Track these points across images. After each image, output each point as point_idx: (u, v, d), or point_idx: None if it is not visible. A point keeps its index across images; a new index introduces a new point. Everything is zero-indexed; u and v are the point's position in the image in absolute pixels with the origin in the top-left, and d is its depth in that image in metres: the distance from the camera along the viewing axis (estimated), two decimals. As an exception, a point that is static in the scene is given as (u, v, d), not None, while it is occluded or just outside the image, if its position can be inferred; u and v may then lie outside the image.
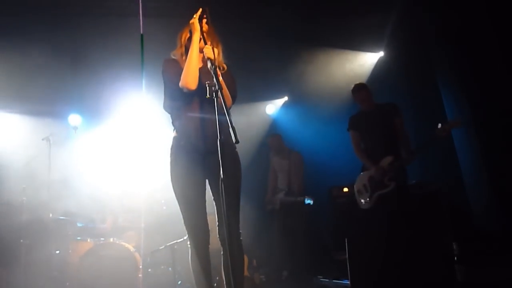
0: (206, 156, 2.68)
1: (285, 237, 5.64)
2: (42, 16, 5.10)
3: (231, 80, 2.80)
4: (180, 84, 2.64)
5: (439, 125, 3.94)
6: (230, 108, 2.54)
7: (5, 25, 5.12)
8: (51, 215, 4.77)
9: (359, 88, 4.52)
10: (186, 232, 2.72)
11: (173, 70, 2.72)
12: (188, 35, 2.77)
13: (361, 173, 4.45)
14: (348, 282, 3.64)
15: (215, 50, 2.59)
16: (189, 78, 2.63)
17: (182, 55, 2.79)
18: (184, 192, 2.69)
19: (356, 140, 4.49)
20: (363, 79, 6.39)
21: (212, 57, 2.51)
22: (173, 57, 2.84)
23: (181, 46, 2.83)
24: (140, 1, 4.05)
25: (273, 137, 6.07)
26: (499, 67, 4.79)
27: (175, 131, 2.79)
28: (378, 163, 4.21)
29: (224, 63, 2.83)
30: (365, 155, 4.39)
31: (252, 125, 7.01)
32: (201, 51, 2.65)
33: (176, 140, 2.76)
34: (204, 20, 2.69)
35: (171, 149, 2.78)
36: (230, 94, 2.70)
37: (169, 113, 2.83)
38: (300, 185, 5.69)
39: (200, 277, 2.66)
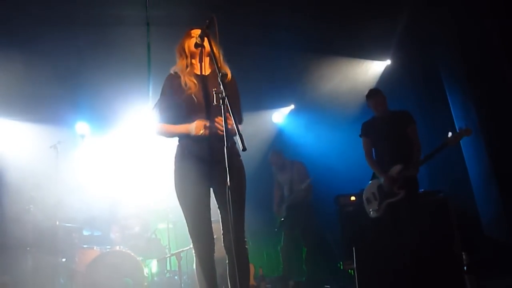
0: (211, 165, 2.66)
1: (292, 246, 5.61)
2: (49, 26, 5.15)
3: (236, 96, 2.80)
4: (155, 131, 2.78)
5: (450, 134, 3.90)
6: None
7: (14, 35, 5.17)
8: (57, 222, 4.78)
9: (374, 94, 4.43)
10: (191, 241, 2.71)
11: (176, 85, 2.73)
12: (194, 42, 2.76)
13: (370, 182, 4.40)
14: (356, 292, 3.60)
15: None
16: (163, 135, 2.77)
17: (187, 66, 2.77)
18: (189, 201, 2.67)
19: (368, 146, 4.41)
20: (370, 87, 6.35)
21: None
22: (174, 72, 2.81)
23: (186, 57, 2.79)
24: (147, 11, 4.08)
25: (274, 154, 6.05)
26: (508, 75, 4.76)
27: (178, 140, 2.79)
28: (388, 172, 4.15)
29: (230, 73, 2.82)
30: (376, 163, 4.33)
31: (259, 133, 7.01)
32: (198, 46, 2.70)
33: (180, 149, 2.75)
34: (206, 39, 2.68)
35: (175, 157, 2.77)
36: (237, 113, 2.70)
37: (171, 123, 2.77)
38: (307, 188, 5.68)
39: (204, 286, 2.64)
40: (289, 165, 5.92)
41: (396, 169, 4.10)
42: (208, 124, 2.60)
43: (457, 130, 3.96)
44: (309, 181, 5.66)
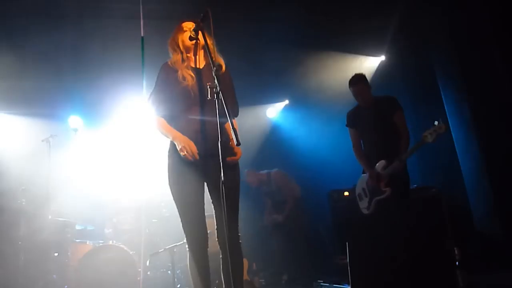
0: (205, 160, 2.65)
1: (285, 241, 5.63)
2: (42, 18, 5.10)
3: (231, 88, 2.79)
4: (153, 124, 2.72)
5: (426, 131, 3.65)
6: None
7: (6, 27, 5.11)
8: (50, 217, 4.75)
9: (356, 81, 4.13)
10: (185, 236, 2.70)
11: (172, 76, 2.71)
12: (187, 36, 2.74)
13: (361, 176, 4.24)
14: (349, 287, 3.61)
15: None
16: (158, 131, 2.73)
17: (183, 60, 2.75)
18: (182, 196, 2.66)
19: (355, 138, 4.22)
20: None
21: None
22: (170, 63, 2.78)
23: (180, 52, 2.77)
24: (141, 3, 4.04)
25: (248, 174, 5.81)
26: (500, 70, 4.78)
27: None
28: (374, 167, 3.98)
29: (224, 64, 2.81)
30: (363, 156, 4.14)
31: (253, 129, 7.00)
32: (193, 39, 2.67)
33: (174, 143, 2.72)
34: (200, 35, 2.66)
35: (169, 152, 2.75)
36: (232, 103, 2.69)
37: (168, 115, 2.77)
38: (292, 199, 5.68)
39: (198, 281, 2.64)
40: (265, 179, 5.84)
41: (380, 165, 3.93)
42: (195, 150, 2.56)
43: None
44: (292, 192, 5.70)
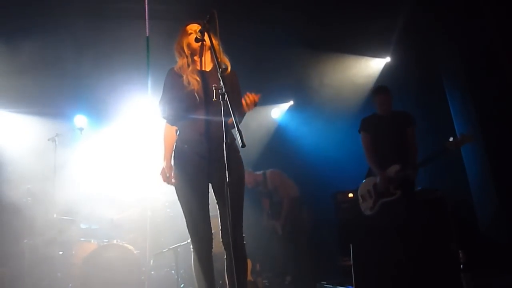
0: (210, 160, 2.66)
1: (289, 242, 5.62)
2: (48, 18, 5.12)
3: (237, 90, 2.80)
4: (163, 135, 2.84)
5: (451, 139, 3.85)
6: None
7: (13, 27, 5.14)
8: (55, 215, 4.78)
9: (381, 91, 4.40)
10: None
11: (177, 81, 2.73)
12: (193, 38, 2.75)
13: (366, 179, 4.39)
14: (352, 289, 3.61)
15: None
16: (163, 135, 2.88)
17: (188, 65, 2.76)
18: (187, 197, 2.68)
19: (367, 142, 4.38)
20: (369, 84, 6.37)
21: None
22: (176, 69, 2.80)
23: (186, 56, 2.77)
24: (146, 3, 4.05)
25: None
26: (506, 72, 4.76)
27: (178, 134, 2.79)
28: (385, 170, 4.14)
29: (231, 68, 2.81)
30: (375, 159, 4.29)
31: (258, 129, 7.00)
32: (199, 41, 2.70)
33: (179, 143, 2.74)
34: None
35: (174, 152, 2.77)
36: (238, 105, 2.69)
37: (167, 118, 2.83)
38: (288, 199, 5.63)
39: (202, 281, 2.64)
40: (261, 179, 5.79)
41: (394, 168, 4.10)
42: (168, 175, 2.75)
43: (457, 135, 3.91)
44: (288, 191, 5.65)
